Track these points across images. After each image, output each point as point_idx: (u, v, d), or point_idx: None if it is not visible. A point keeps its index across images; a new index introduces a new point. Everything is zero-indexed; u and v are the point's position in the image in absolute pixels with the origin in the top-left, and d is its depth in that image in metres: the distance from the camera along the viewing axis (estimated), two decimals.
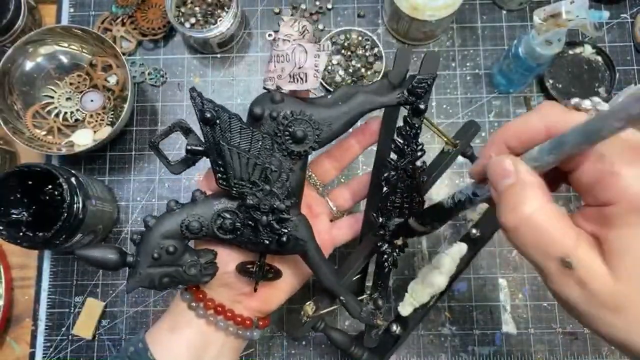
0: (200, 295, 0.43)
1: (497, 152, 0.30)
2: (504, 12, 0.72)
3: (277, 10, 0.73)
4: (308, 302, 0.46)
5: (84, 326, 0.64)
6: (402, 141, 0.42)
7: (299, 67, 0.39)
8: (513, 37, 0.71)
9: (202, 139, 0.40)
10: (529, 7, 0.72)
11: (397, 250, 0.44)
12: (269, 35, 0.73)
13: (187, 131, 0.41)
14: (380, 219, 0.43)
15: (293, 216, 0.41)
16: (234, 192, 0.39)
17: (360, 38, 0.70)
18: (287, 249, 0.41)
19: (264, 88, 0.40)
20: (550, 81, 0.69)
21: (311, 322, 0.46)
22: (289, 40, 0.40)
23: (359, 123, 0.44)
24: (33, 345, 0.65)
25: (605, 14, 0.51)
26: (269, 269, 0.43)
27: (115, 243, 0.67)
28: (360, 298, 0.46)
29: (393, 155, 0.43)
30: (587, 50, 0.70)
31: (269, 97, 0.39)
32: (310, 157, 0.42)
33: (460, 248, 0.48)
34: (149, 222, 0.40)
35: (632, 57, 0.70)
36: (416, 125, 0.41)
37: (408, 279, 0.50)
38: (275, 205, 0.39)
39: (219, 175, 0.39)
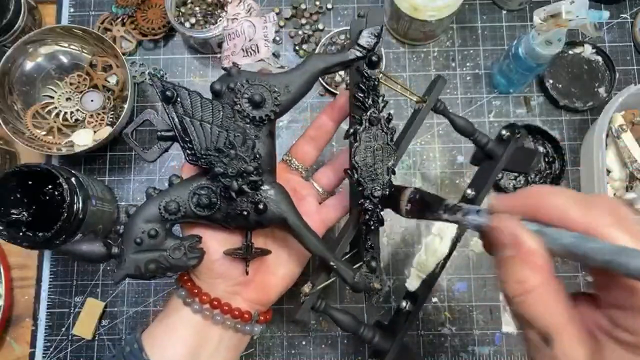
0: (195, 291, 0.43)
1: (518, 212, 0.28)
2: (504, 12, 0.72)
3: (277, 10, 0.72)
4: (307, 283, 0.45)
5: (84, 326, 0.64)
6: (361, 95, 0.42)
7: (249, 40, 0.41)
8: (513, 37, 0.71)
9: (170, 125, 0.42)
10: (529, 7, 0.72)
11: (380, 205, 0.42)
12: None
13: (156, 119, 0.43)
14: (355, 175, 0.42)
15: (267, 184, 0.41)
16: (202, 163, 0.40)
17: None
18: (267, 218, 0.41)
19: (222, 69, 0.42)
20: (550, 81, 0.69)
21: (309, 301, 0.45)
22: (237, 19, 0.41)
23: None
24: (33, 345, 0.65)
25: (605, 14, 0.51)
26: (256, 248, 0.44)
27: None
28: (355, 266, 0.44)
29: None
30: (587, 50, 0.70)
31: (227, 73, 0.41)
32: (288, 143, 0.42)
33: None
34: (130, 211, 0.41)
35: (632, 57, 0.70)
36: (372, 77, 0.42)
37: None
38: (242, 168, 0.39)
39: (188, 152, 0.40)
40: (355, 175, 0.42)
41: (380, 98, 0.42)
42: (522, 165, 0.49)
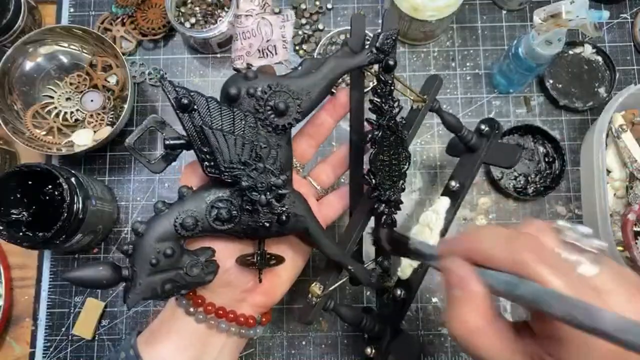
0: (199, 300, 0.42)
1: (461, 255, 0.30)
2: (504, 12, 0.72)
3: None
4: (314, 283, 0.45)
5: (84, 326, 0.64)
6: (379, 100, 0.42)
7: (267, 41, 0.40)
8: (513, 37, 0.71)
9: (178, 131, 0.39)
10: (529, 7, 0.72)
11: (393, 208, 0.44)
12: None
13: (162, 125, 0.39)
14: (374, 180, 0.42)
15: (289, 192, 0.40)
16: (225, 177, 0.37)
17: None
18: (288, 228, 0.40)
19: (234, 69, 0.40)
20: (550, 81, 0.69)
21: (321, 302, 0.45)
22: (251, 16, 0.40)
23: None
24: (33, 345, 0.65)
25: (605, 14, 0.51)
26: (270, 256, 0.42)
27: (115, 243, 0.67)
28: (367, 265, 0.46)
29: (372, 117, 0.44)
30: (587, 50, 0.70)
31: (242, 76, 0.38)
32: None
33: (443, 202, 0.48)
34: (139, 229, 0.37)
35: (632, 57, 0.70)
36: (389, 82, 0.42)
37: None
38: (272, 182, 0.37)
39: (206, 163, 0.37)
40: (374, 180, 0.43)
41: (396, 103, 0.43)
42: (505, 160, 0.50)
